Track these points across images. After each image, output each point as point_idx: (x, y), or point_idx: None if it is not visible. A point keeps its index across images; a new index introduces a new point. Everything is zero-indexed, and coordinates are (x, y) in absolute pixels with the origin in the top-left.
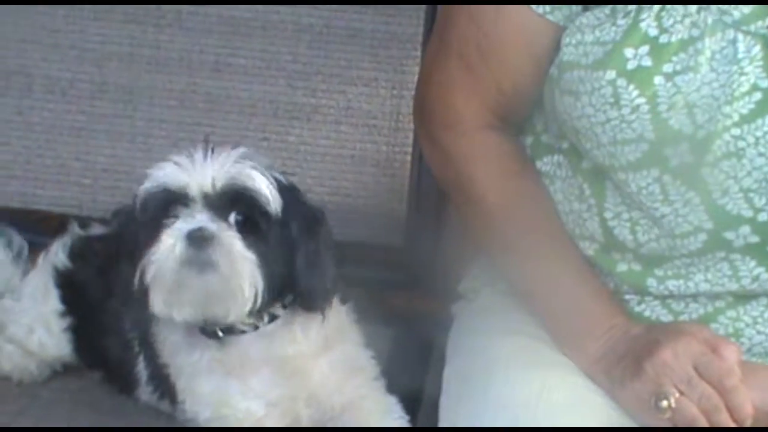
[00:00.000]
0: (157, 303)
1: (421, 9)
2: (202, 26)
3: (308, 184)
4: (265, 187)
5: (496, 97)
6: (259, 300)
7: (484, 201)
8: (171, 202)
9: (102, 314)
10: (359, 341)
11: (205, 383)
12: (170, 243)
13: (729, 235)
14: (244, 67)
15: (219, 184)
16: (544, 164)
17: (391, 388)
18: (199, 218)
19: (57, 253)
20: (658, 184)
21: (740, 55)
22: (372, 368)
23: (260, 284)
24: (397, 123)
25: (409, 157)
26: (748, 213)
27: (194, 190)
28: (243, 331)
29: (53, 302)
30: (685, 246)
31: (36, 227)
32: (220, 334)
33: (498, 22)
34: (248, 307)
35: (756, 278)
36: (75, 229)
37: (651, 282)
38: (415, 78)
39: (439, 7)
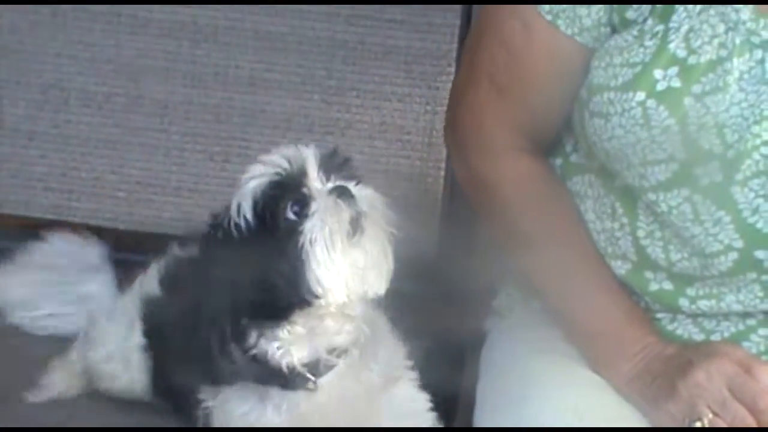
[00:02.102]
0: (330, 276)
1: (456, 25)
2: (238, 41)
3: None
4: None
5: (527, 120)
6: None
7: (516, 224)
8: (291, 180)
9: (185, 355)
10: (416, 380)
11: None
12: (325, 203)
13: (760, 254)
14: (279, 82)
15: (328, 155)
16: (575, 184)
17: None
18: (328, 184)
19: (151, 277)
20: (689, 204)
21: None
22: (427, 414)
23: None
24: (430, 138)
25: (442, 172)
26: None
27: (311, 162)
28: (329, 368)
29: (136, 335)
30: (715, 266)
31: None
32: (312, 377)
33: (528, 46)
34: (389, 275)
35: None
36: (173, 250)
37: (683, 302)
38: (448, 93)
39: (474, 20)
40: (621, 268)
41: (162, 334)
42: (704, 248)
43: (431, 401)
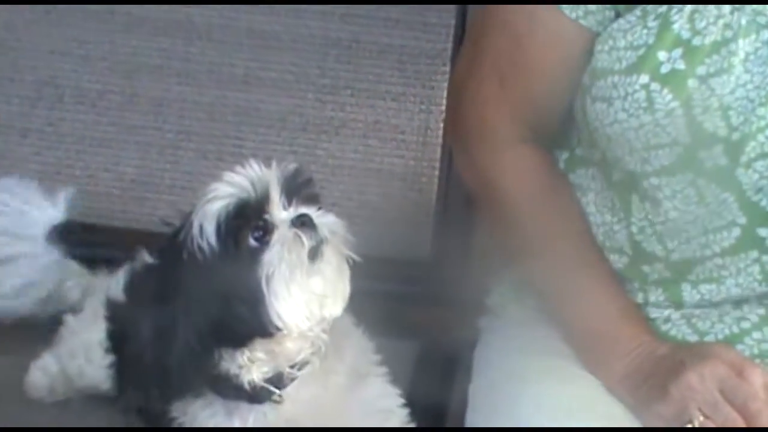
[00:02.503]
0: (289, 306)
1: (450, 25)
2: (232, 39)
3: (335, 198)
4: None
5: (529, 110)
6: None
7: (516, 215)
8: (253, 207)
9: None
10: (385, 375)
11: None
12: (286, 234)
13: (762, 231)
14: (273, 81)
15: (290, 179)
16: (578, 176)
17: (416, 404)
18: (288, 211)
19: (119, 279)
20: (693, 187)
21: None
22: (400, 411)
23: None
24: (425, 138)
25: (436, 172)
26: None
27: (273, 185)
28: (293, 379)
29: (99, 333)
30: (717, 242)
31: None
32: (277, 392)
33: (531, 31)
34: (347, 294)
35: None
36: (143, 256)
37: (685, 287)
38: (444, 93)
39: (470, 19)
40: (618, 262)
41: (123, 340)
42: (706, 225)
43: (424, 400)
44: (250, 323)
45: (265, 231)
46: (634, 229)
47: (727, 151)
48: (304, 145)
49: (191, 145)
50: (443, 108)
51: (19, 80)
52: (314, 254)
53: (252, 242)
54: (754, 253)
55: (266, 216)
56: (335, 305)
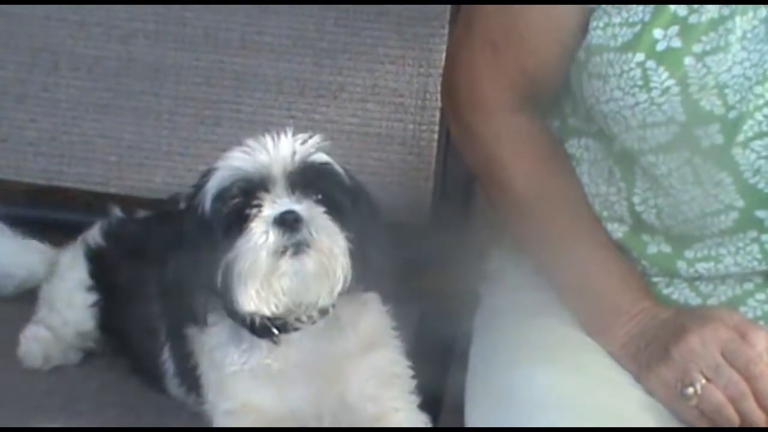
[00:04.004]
0: (247, 297)
1: None
2: (228, 4)
3: None
4: (339, 166)
5: (522, 80)
6: (348, 281)
7: (512, 184)
8: (251, 188)
9: (130, 299)
10: (399, 347)
11: (242, 387)
12: (261, 230)
13: (760, 213)
14: (270, 45)
15: (300, 164)
16: (571, 146)
17: (417, 368)
18: (284, 202)
19: (93, 232)
20: (689, 166)
21: None
22: (409, 381)
23: (348, 264)
24: (423, 101)
25: (435, 135)
26: None
27: (277, 171)
28: (296, 329)
29: (79, 274)
30: (716, 224)
31: (63, 206)
32: (276, 332)
33: (525, 5)
34: (338, 289)
35: None
36: (116, 212)
37: (680, 264)
38: (443, 56)
39: None
40: (618, 231)
41: (109, 277)
42: (704, 208)
43: (425, 363)
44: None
45: (247, 219)
46: (636, 199)
47: (723, 129)
48: (302, 109)
49: (188, 111)
50: (442, 71)
51: (14, 46)
52: (290, 253)
53: (233, 224)
54: (753, 233)
55: (256, 203)
56: (324, 295)
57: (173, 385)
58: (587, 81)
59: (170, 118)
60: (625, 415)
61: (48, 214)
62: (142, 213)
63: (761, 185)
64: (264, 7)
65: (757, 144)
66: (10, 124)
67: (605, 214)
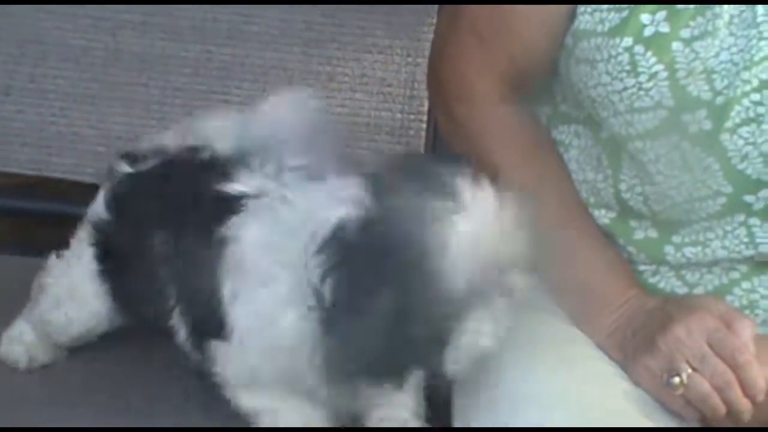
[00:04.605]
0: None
1: None
2: None
3: None
4: None
5: (509, 69)
6: None
7: (499, 174)
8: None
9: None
10: None
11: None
12: None
13: (749, 198)
14: (258, 35)
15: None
16: (560, 133)
17: None
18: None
19: (96, 203)
20: (677, 152)
21: (759, 19)
22: None
23: None
24: (412, 90)
25: (424, 125)
26: None
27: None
28: None
29: (86, 263)
30: (704, 209)
31: (51, 197)
32: None
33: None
34: None
35: None
36: (122, 167)
37: (668, 249)
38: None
39: None
40: (605, 217)
41: (122, 250)
42: (691, 193)
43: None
44: None
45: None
46: (622, 186)
47: (710, 115)
48: None
49: (177, 101)
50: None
51: (1, 37)
52: None
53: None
54: (741, 217)
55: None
56: None
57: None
58: (575, 66)
59: (159, 108)
60: (613, 409)
61: (36, 205)
62: (150, 161)
63: (749, 171)
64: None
65: (744, 130)
66: None
67: (592, 200)
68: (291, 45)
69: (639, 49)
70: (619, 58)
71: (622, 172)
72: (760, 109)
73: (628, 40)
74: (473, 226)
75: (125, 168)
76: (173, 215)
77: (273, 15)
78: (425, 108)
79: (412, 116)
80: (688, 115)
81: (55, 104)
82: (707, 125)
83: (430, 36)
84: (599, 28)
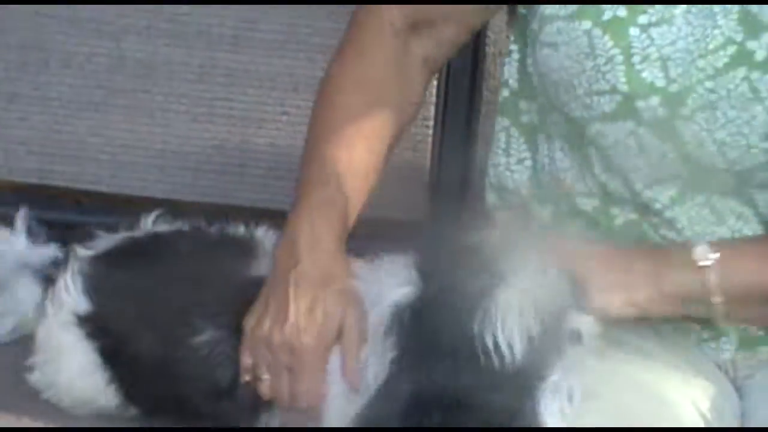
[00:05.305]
0: None
1: None
2: (221, 3)
3: None
4: None
5: (422, 12)
6: None
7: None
8: None
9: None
10: None
11: None
12: None
13: (709, 181)
14: (263, 41)
15: None
16: (549, 124)
17: None
18: None
19: (68, 292)
20: (633, 136)
21: (716, 9)
22: None
23: None
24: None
25: (430, 131)
26: (722, 165)
27: None
28: None
29: (79, 359)
30: (664, 193)
31: (54, 204)
32: None
33: None
34: None
35: (740, 216)
36: (81, 252)
37: (648, 229)
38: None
39: None
40: (588, 205)
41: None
42: (651, 176)
43: None
44: None
45: None
46: (596, 170)
47: (664, 102)
48: (295, 105)
49: (181, 108)
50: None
51: (4, 44)
52: None
53: None
54: (701, 198)
55: None
56: None
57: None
58: (540, 51)
59: (163, 115)
60: None
61: (39, 213)
62: (104, 240)
63: (705, 158)
64: (256, 3)
65: (699, 117)
66: (1, 123)
67: (577, 187)
68: (296, 51)
69: (597, 32)
70: (579, 41)
71: (592, 158)
72: (713, 97)
73: (587, 24)
74: (518, 294)
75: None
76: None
77: (278, 21)
78: (431, 114)
79: (418, 122)
80: (641, 102)
81: (59, 111)
82: (662, 112)
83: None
84: (562, 12)
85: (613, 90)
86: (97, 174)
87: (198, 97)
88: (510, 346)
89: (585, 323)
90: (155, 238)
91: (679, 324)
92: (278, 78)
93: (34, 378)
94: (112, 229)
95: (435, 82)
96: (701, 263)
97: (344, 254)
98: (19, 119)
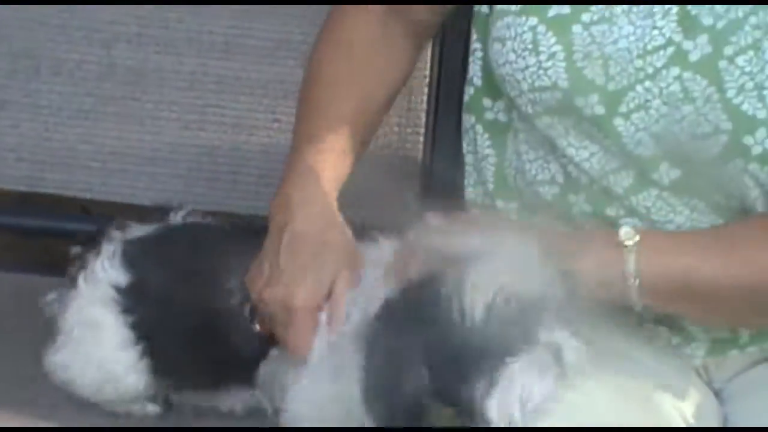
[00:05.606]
0: None
1: None
2: (212, 6)
3: None
4: None
5: None
6: None
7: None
8: None
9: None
10: None
11: None
12: None
13: (655, 175)
14: (254, 48)
15: None
16: (511, 119)
17: None
18: None
19: (105, 269)
20: (577, 130)
21: (655, 9)
22: None
23: None
24: (409, 103)
25: (421, 138)
26: (665, 159)
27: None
28: None
29: (113, 334)
30: (619, 182)
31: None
32: None
33: None
34: None
35: (694, 208)
36: (117, 235)
37: (609, 213)
38: (427, 58)
39: None
40: (548, 193)
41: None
42: (603, 166)
43: None
44: None
45: None
46: (557, 156)
47: (602, 100)
48: (286, 113)
49: (171, 115)
50: (426, 73)
51: None
52: None
53: None
54: (654, 191)
55: None
56: None
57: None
58: (491, 45)
59: (153, 122)
60: None
61: (30, 221)
62: (137, 229)
63: (646, 155)
64: (247, 9)
65: (636, 116)
66: None
67: (539, 177)
68: (287, 58)
69: (542, 28)
70: (524, 36)
71: (541, 151)
72: (648, 96)
73: (533, 20)
74: (499, 277)
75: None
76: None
77: (269, 28)
78: (422, 121)
79: (409, 129)
80: (581, 98)
81: (49, 119)
82: (600, 110)
83: (427, 49)
84: (512, 8)
85: (554, 86)
86: (88, 182)
87: (189, 104)
88: (471, 311)
89: (568, 342)
90: (188, 226)
91: (650, 329)
92: (269, 85)
93: (56, 360)
94: (100, 237)
95: (425, 89)
96: (624, 243)
97: (336, 211)
98: (9, 127)
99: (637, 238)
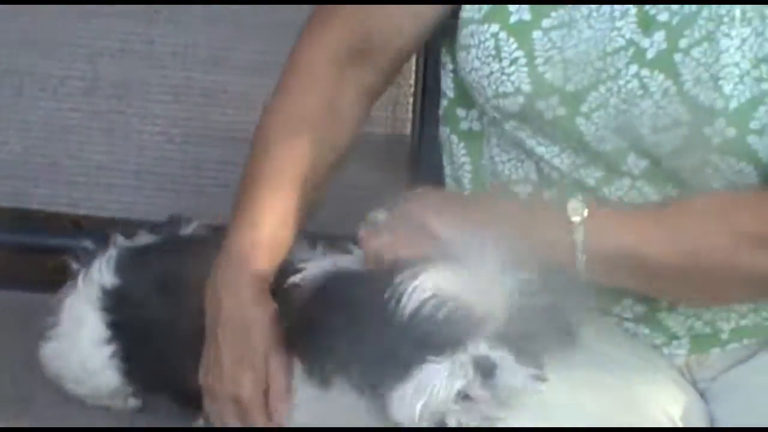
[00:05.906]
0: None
1: None
2: (196, 20)
3: None
4: None
5: (358, 30)
6: None
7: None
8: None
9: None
10: None
11: None
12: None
13: (623, 167)
14: (239, 62)
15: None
16: (480, 124)
17: None
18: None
19: (97, 271)
20: (541, 133)
21: (615, 13)
22: None
23: None
24: (394, 113)
25: (407, 148)
26: (631, 153)
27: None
28: None
29: (93, 328)
30: (590, 175)
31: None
32: None
33: None
34: None
35: (667, 196)
36: (120, 241)
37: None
38: (412, 67)
39: None
40: (523, 192)
41: (132, 317)
42: (573, 162)
43: None
44: None
45: None
46: (527, 155)
47: (563, 102)
48: None
49: (157, 129)
50: (412, 82)
51: None
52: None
53: None
54: (627, 181)
55: None
56: None
57: None
58: (458, 53)
59: (138, 136)
60: None
61: (16, 237)
62: (144, 236)
63: (612, 152)
64: (233, 23)
65: (596, 116)
66: None
67: (513, 176)
68: (273, 72)
69: (503, 35)
70: (487, 43)
71: (512, 152)
72: (608, 95)
73: (495, 27)
74: (447, 281)
75: (122, 241)
76: None
77: (254, 42)
78: (408, 130)
79: (394, 139)
80: (542, 102)
81: (35, 135)
82: (561, 111)
83: (411, 59)
84: (476, 15)
85: (518, 91)
86: (73, 197)
87: (173, 117)
88: (404, 305)
89: (505, 362)
90: (185, 238)
91: (631, 328)
92: (254, 98)
93: (46, 351)
94: (86, 251)
95: (410, 98)
96: (571, 219)
97: (268, 297)
98: None
99: (585, 213)
